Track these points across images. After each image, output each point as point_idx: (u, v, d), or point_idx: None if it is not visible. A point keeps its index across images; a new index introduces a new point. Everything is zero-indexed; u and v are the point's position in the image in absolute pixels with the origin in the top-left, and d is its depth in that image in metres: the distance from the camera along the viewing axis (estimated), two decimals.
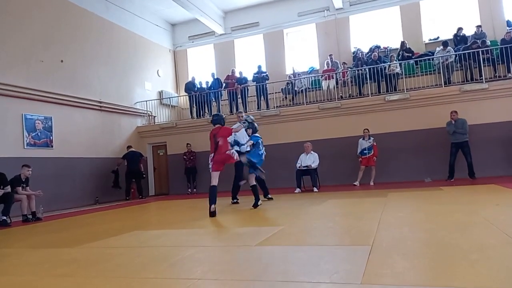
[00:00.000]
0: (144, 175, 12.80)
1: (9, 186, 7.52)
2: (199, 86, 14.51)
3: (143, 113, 14.51)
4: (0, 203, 7.44)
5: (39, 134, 10.17)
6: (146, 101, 14.49)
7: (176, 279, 2.80)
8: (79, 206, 10.85)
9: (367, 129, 10.57)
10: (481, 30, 12.04)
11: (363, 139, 10.59)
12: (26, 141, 9.79)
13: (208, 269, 3.00)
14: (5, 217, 7.25)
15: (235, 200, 8.08)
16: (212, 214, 6.09)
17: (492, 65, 11.23)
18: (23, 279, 3.14)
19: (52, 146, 10.51)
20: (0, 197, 7.32)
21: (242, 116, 8.12)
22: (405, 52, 12.59)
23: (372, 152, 10.44)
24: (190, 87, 14.40)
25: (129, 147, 12.73)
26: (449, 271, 2.49)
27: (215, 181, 6.38)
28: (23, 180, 7.93)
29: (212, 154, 6.40)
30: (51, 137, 10.52)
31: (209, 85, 14.34)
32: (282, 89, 13.83)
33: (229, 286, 2.53)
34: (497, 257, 2.73)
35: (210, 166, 6.40)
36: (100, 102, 12.38)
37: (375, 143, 10.48)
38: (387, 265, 2.70)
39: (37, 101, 10.16)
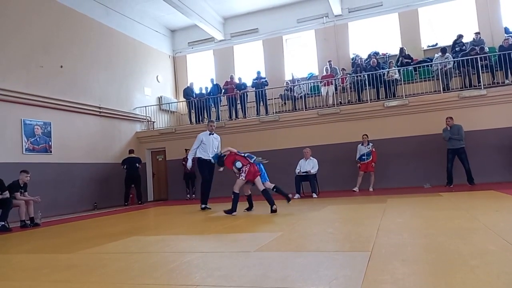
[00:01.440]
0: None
1: (7, 192, 7.49)
2: (197, 92, 14.56)
3: (142, 119, 14.52)
4: None
5: (38, 139, 10.16)
6: (146, 106, 14.51)
7: (174, 285, 2.78)
8: (78, 211, 10.82)
9: (366, 135, 10.58)
10: (480, 37, 12.11)
11: (362, 144, 10.59)
12: (25, 146, 9.78)
13: (207, 275, 2.98)
14: (3, 222, 7.22)
15: (204, 206, 8.33)
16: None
17: (491, 72, 11.29)
18: (21, 285, 3.12)
19: (51, 152, 10.50)
20: None
21: (213, 126, 8.45)
22: (404, 58, 12.65)
23: (371, 158, 10.44)
24: (188, 93, 14.44)
25: (131, 151, 12.75)
26: (449, 276, 2.48)
27: (239, 189, 6.99)
28: (21, 185, 7.89)
29: (247, 166, 6.89)
30: (50, 143, 10.51)
31: (208, 91, 14.37)
32: (281, 95, 13.87)
33: None
34: (496, 263, 2.73)
35: (244, 175, 6.85)
36: (100, 108, 12.39)
37: (374, 149, 10.48)
38: (387, 271, 2.69)
39: (36, 106, 10.16)
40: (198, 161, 8.28)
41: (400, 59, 12.71)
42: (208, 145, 8.16)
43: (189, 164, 8.45)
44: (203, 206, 8.29)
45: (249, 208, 7.35)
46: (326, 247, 3.81)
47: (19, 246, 5.50)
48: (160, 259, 3.72)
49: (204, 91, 14.52)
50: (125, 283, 2.93)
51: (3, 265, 4.02)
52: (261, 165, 7.21)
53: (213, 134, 8.34)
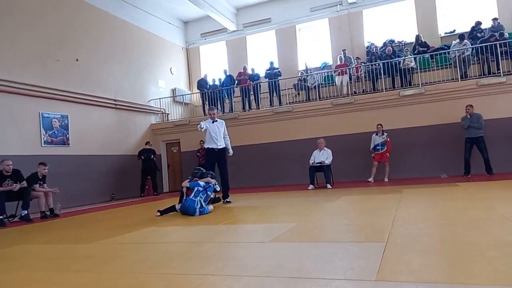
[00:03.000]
0: (158, 169, 13.16)
1: (25, 182, 7.70)
2: (211, 84, 14.59)
3: (157, 111, 14.65)
4: (18, 199, 7.64)
5: (56, 132, 10.36)
6: (160, 98, 14.61)
7: (190, 275, 2.82)
8: (95, 202, 11.04)
9: (381, 125, 10.45)
10: (498, 23, 11.75)
11: (376, 134, 10.48)
12: (44, 139, 9.99)
13: (222, 265, 3.02)
14: (26, 211, 7.44)
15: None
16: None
17: (511, 58, 10.97)
18: (42, 274, 3.21)
19: (68, 144, 10.70)
20: (17, 193, 7.51)
21: (214, 114, 7.80)
22: (419, 46, 12.39)
23: (386, 148, 10.32)
24: (202, 84, 14.49)
25: (147, 143, 12.95)
26: (466, 268, 2.45)
27: None
28: (40, 177, 8.10)
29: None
30: (68, 135, 10.70)
31: (221, 82, 14.39)
32: (294, 85, 13.78)
33: (243, 282, 2.54)
34: None
35: None
36: (115, 100, 12.54)
37: (388, 139, 10.35)
38: (403, 261, 2.68)
39: (53, 99, 10.35)
40: (206, 151, 7.94)
41: (417, 47, 12.45)
42: (216, 133, 7.73)
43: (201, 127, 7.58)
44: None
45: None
46: (341, 237, 3.80)
47: (39, 236, 5.65)
48: (176, 249, 3.77)
49: (217, 83, 14.54)
50: (142, 272, 2.99)
51: (25, 255, 4.14)
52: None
53: (216, 121, 7.84)
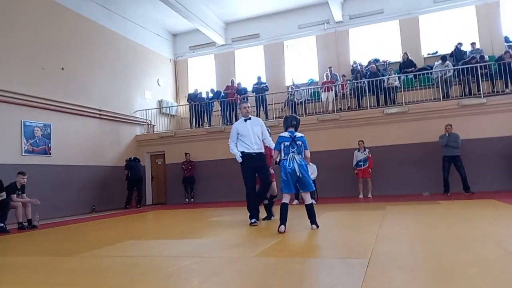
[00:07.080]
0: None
1: (4, 193, 7.47)
2: (199, 97, 14.63)
3: (143, 122, 14.52)
4: None
5: (37, 141, 10.15)
6: (146, 110, 14.51)
7: None
8: (76, 214, 10.77)
9: (362, 141, 10.59)
10: (475, 47, 12.17)
11: (358, 150, 10.60)
12: (24, 148, 9.77)
13: (204, 280, 2.97)
14: (2, 224, 7.20)
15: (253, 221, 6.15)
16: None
17: (490, 80, 11.32)
18: None
19: (50, 154, 10.48)
20: None
21: (247, 107, 6.22)
22: (404, 67, 12.65)
23: (368, 164, 10.44)
24: (192, 98, 14.53)
25: (129, 159, 12.82)
26: (448, 285, 2.47)
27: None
28: (19, 187, 7.88)
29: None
30: (50, 144, 10.49)
31: (210, 97, 14.47)
32: (285, 101, 13.82)
33: None
34: (496, 271, 2.72)
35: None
36: (100, 110, 12.39)
37: (370, 155, 10.48)
38: (385, 278, 2.68)
39: (36, 108, 10.15)
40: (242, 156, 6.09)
41: (403, 68, 12.67)
42: (248, 135, 6.00)
43: (238, 158, 6.07)
44: (252, 221, 6.08)
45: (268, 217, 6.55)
46: (324, 253, 3.80)
47: (16, 248, 5.48)
48: (158, 263, 3.70)
49: (204, 95, 14.62)
50: (122, 286, 2.92)
51: (1, 268, 3.99)
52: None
53: (249, 118, 6.15)
